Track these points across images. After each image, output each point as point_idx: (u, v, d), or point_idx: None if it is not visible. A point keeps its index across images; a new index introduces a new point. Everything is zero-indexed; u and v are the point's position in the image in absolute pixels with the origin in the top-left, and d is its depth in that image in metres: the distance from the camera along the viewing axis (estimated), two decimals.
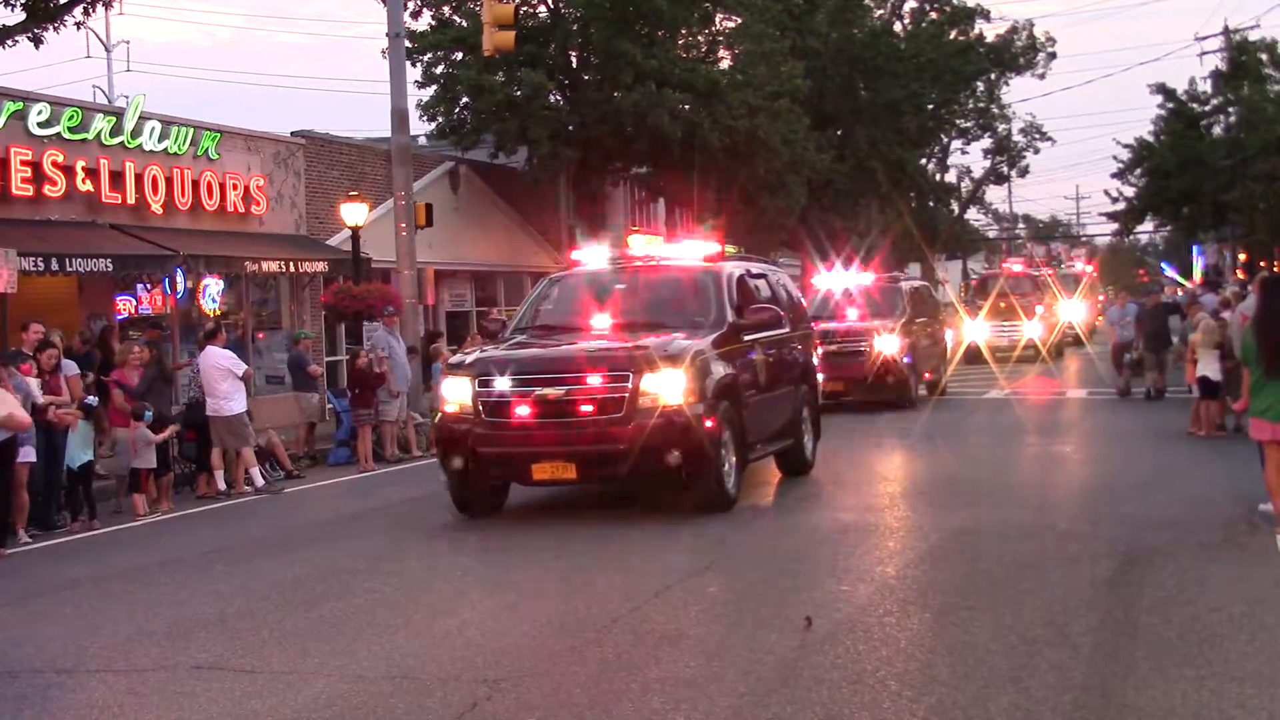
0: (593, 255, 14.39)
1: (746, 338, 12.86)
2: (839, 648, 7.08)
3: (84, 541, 13.06)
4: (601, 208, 38.00)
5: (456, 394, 11.88)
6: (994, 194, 73.37)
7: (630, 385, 11.21)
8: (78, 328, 18.67)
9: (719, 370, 11.88)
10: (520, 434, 11.48)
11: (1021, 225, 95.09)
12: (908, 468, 15.64)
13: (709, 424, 11.40)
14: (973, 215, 67.67)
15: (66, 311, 20.23)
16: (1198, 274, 48.09)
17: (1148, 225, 63.74)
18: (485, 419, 11.60)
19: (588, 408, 11.27)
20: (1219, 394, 16.74)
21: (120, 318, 22.17)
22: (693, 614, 8.05)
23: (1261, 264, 43.63)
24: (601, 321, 12.74)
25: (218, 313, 23.29)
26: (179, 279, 22.28)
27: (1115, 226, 61.84)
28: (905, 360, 22.91)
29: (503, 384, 11.57)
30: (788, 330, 14.35)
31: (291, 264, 24.12)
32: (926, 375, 25.01)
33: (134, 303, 22.91)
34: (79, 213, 21.26)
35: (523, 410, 11.44)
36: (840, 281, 25.77)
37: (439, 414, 12.40)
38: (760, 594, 8.49)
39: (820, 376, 15.99)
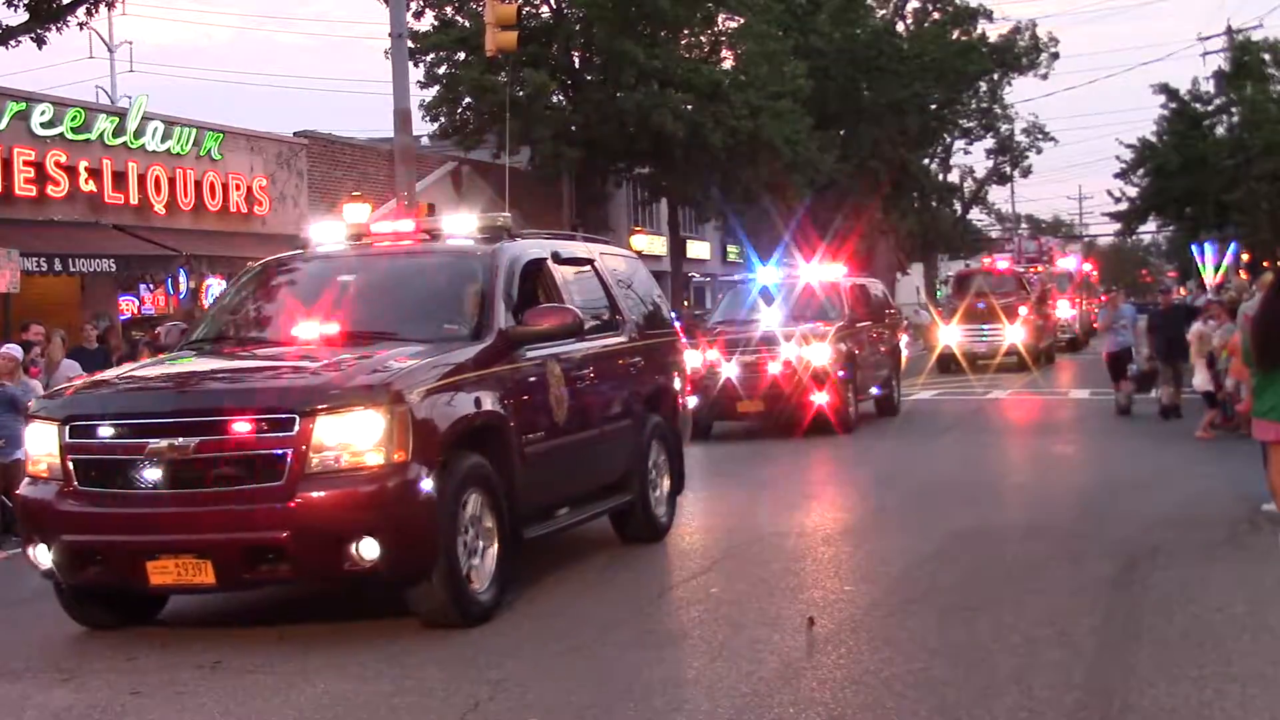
0: (327, 234, 10.12)
1: (531, 353, 8.82)
2: (841, 648, 7.09)
3: None
4: (604, 208, 38.06)
5: (41, 447, 7.90)
6: (997, 194, 73.32)
7: (296, 435, 7.33)
8: (80, 327, 18.69)
9: (468, 404, 8.00)
10: (129, 513, 7.55)
11: (1024, 225, 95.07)
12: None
13: (428, 492, 7.47)
14: (975, 215, 67.77)
15: (69, 312, 20.26)
16: (1210, 274, 47.64)
17: (1150, 225, 63.87)
18: (80, 487, 7.66)
19: (230, 470, 7.42)
20: (1214, 402, 16.72)
21: (123, 318, 22.21)
22: (695, 614, 8.05)
23: (1265, 264, 43.58)
24: (311, 331, 8.81)
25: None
26: (182, 279, 22.32)
27: (1118, 226, 61.96)
28: (840, 374, 18.54)
29: (105, 432, 7.70)
30: (624, 339, 10.35)
31: None
32: (873, 390, 20.76)
33: (137, 303, 22.98)
34: (82, 213, 21.30)
35: (135, 474, 7.53)
36: (766, 279, 21.47)
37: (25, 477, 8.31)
38: (762, 594, 8.49)
39: (691, 396, 11.91)
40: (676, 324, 12.19)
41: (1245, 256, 52.12)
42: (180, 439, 7.41)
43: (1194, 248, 50.77)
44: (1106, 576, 8.68)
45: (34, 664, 7.51)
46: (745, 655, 6.97)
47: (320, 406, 7.37)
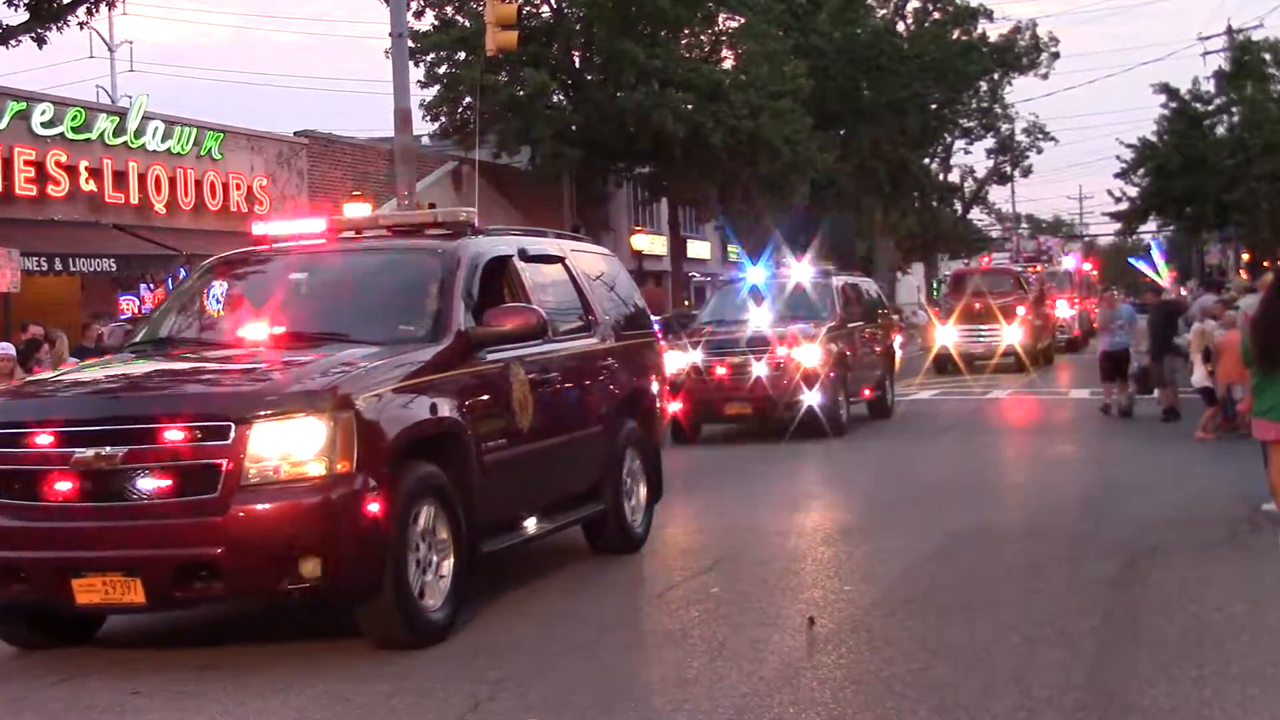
0: (284, 230, 9.74)
1: (493, 356, 8.35)
2: (842, 648, 7.09)
3: None
4: (604, 208, 38.06)
5: None
6: (997, 194, 73.43)
7: (232, 444, 6.86)
8: (87, 325, 18.71)
9: (421, 410, 7.56)
10: (54, 528, 7.07)
11: (1025, 225, 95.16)
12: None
13: (374, 505, 6.99)
14: (976, 215, 67.84)
15: (69, 312, 20.28)
16: (1165, 272, 47.77)
17: (1151, 225, 63.87)
18: (1, 500, 7.19)
19: (160, 482, 6.93)
20: (1214, 399, 16.63)
21: (123, 318, 22.22)
22: (695, 614, 8.05)
23: (1265, 264, 43.62)
24: (258, 332, 8.42)
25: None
26: (182, 279, 22.33)
27: (1118, 226, 61.99)
28: (830, 375, 17.97)
29: (29, 441, 7.21)
30: (597, 341, 9.88)
31: None
32: (866, 392, 20.22)
33: (137, 303, 22.98)
34: (82, 213, 21.34)
35: (61, 485, 7.02)
36: (755, 279, 20.71)
37: None
38: (763, 594, 8.49)
39: (658, 400, 10.91)
40: (656, 325, 11.56)
41: (1246, 256, 52.18)
42: (108, 448, 6.93)
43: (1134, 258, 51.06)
44: (1106, 576, 8.69)
45: (32, 665, 7.51)
46: (745, 655, 6.97)
47: (257, 413, 6.92)
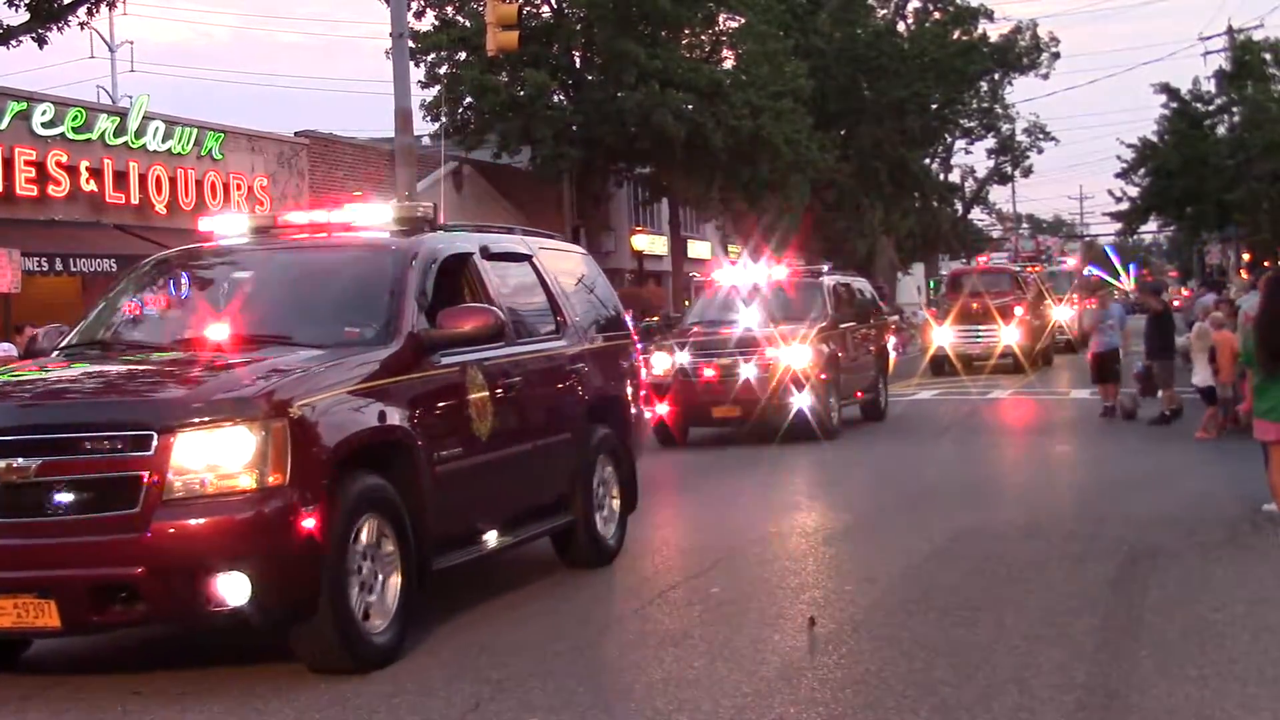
0: (228, 225, 9.27)
1: (448, 360, 7.83)
2: (842, 648, 7.10)
3: None
4: (605, 208, 38.08)
5: None
6: (997, 194, 73.47)
7: (154, 454, 6.36)
8: None
9: (364, 418, 7.04)
10: None
11: (1025, 225, 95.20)
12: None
13: (309, 520, 6.50)
14: (976, 215, 67.91)
15: (69, 312, 20.26)
16: (1124, 275, 47.78)
17: (1151, 225, 63.95)
18: None
19: (76, 496, 6.44)
20: (1215, 399, 16.58)
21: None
22: (696, 614, 8.05)
23: (1265, 264, 43.61)
24: (197, 335, 7.93)
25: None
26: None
27: (1119, 226, 62.05)
28: (821, 377, 17.57)
29: None
30: (565, 344, 9.34)
31: None
32: (859, 394, 19.82)
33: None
34: (83, 213, 21.35)
35: None
36: (744, 278, 20.03)
37: None
38: (763, 594, 8.50)
39: (633, 406, 10.36)
40: (630, 326, 11.12)
41: (1246, 256, 52.21)
42: (20, 459, 6.38)
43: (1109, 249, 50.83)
44: (1106, 576, 8.69)
45: (35, 664, 7.50)
46: (746, 655, 6.98)
47: (182, 422, 6.40)
